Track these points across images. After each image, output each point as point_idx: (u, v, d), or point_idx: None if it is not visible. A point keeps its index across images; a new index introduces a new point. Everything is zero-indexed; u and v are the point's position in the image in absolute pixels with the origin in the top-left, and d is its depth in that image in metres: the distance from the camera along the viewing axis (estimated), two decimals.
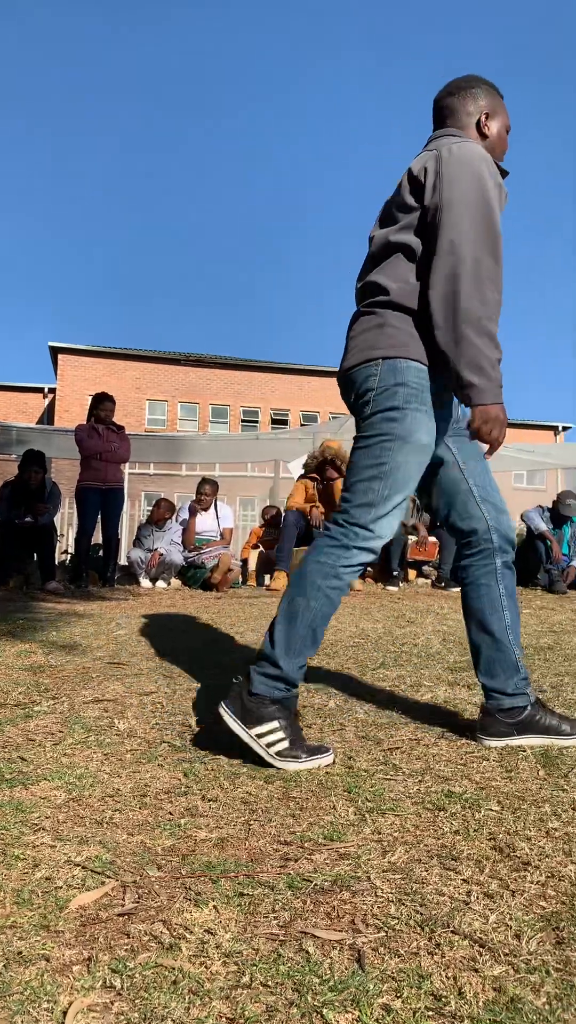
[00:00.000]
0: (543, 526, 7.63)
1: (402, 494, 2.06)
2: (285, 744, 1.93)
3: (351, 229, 64.34)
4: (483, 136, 2.19)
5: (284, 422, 32.29)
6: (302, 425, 29.57)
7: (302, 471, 7.29)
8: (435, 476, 2.19)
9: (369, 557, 2.10)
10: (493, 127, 2.19)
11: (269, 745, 1.93)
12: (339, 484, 6.82)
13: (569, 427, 34.85)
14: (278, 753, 1.93)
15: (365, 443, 2.05)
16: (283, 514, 7.32)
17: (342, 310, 66.30)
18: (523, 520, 7.94)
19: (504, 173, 2.15)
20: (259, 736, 1.93)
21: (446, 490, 2.18)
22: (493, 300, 1.99)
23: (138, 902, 1.27)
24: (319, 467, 6.94)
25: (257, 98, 61.53)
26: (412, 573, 7.71)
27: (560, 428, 35.03)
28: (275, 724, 1.94)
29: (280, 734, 1.94)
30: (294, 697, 2.05)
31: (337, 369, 2.21)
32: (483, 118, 2.18)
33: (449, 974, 1.08)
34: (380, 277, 2.10)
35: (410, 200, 2.07)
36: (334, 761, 1.96)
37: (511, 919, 1.23)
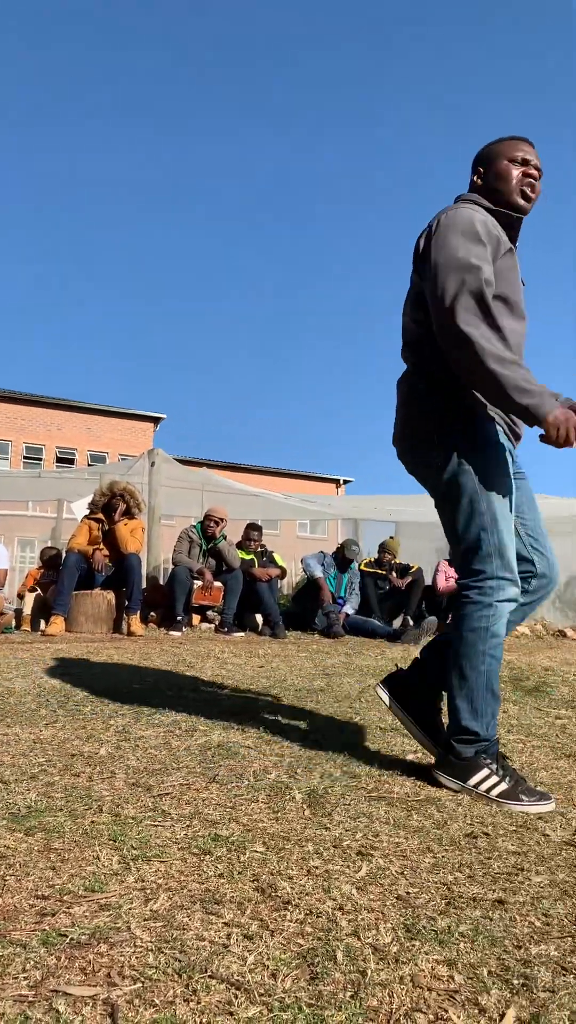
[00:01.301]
0: (318, 572, 7.95)
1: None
2: (504, 786, 2.13)
3: (142, 260, 64.64)
4: (478, 191, 2.38)
5: (70, 461, 31.42)
6: (89, 465, 28.94)
7: (87, 511, 7.12)
8: None
9: (514, 604, 2.26)
10: (488, 174, 2.37)
11: (488, 790, 2.13)
12: (123, 527, 6.73)
13: (351, 480, 36.69)
14: (500, 795, 2.11)
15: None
16: (63, 555, 7.09)
17: (136, 346, 66.05)
18: (302, 565, 8.24)
19: (512, 215, 2.35)
20: (476, 785, 2.15)
21: None
22: (493, 331, 2.12)
23: None
24: (106, 506, 6.81)
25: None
26: (196, 618, 7.71)
27: (341, 481, 36.80)
28: (486, 771, 2.15)
29: (495, 778, 2.14)
30: (495, 745, 2.22)
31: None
32: (475, 177, 2.40)
33: (203, 1020, 1.07)
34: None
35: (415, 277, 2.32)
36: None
37: (269, 959, 1.25)
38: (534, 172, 2.34)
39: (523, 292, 2.37)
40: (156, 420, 34.22)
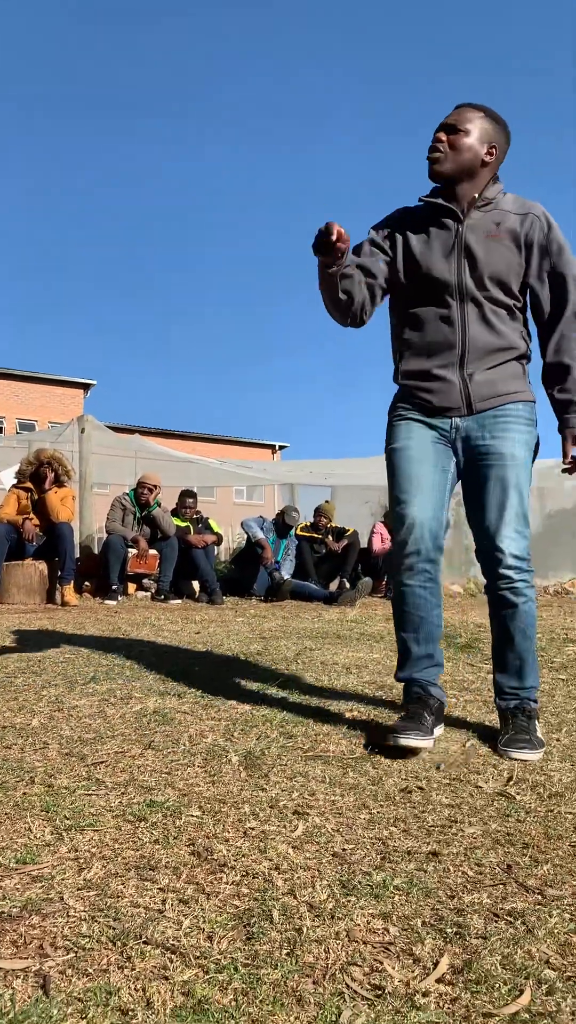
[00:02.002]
0: (259, 534, 7.94)
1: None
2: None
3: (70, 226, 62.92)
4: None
5: None
6: (17, 433, 28.25)
7: (14, 481, 6.95)
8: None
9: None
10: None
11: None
12: (53, 495, 6.59)
13: (286, 446, 36.68)
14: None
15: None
16: None
17: (63, 309, 64.32)
18: (243, 528, 8.22)
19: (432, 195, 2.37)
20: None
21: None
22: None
23: None
24: (34, 475, 6.66)
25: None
26: (132, 587, 7.64)
27: (277, 447, 36.77)
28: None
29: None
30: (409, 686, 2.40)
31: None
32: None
33: (138, 986, 1.06)
34: None
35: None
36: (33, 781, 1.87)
37: (204, 922, 1.24)
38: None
39: None
40: (86, 387, 33.57)
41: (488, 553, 2.32)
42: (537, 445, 2.38)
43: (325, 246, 2.12)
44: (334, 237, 2.09)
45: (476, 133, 2.30)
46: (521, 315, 2.38)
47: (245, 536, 8.29)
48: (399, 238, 2.38)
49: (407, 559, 2.33)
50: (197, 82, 66.23)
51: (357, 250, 2.40)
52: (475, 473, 2.35)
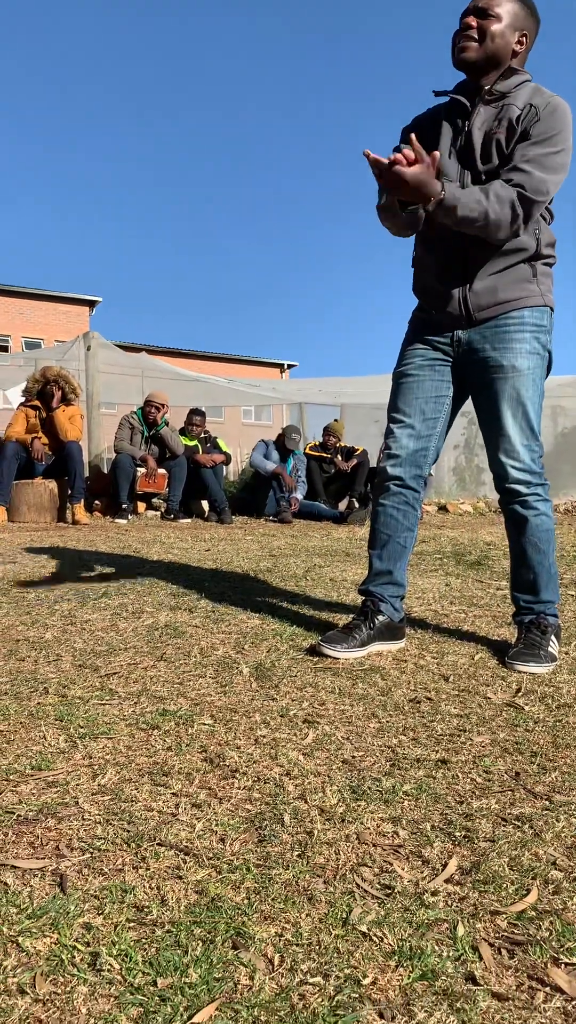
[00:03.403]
0: (271, 466, 7.84)
1: None
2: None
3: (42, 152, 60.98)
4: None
5: (4, 348, 30.31)
6: (24, 351, 27.96)
7: (22, 399, 6.89)
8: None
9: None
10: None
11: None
12: (61, 414, 6.54)
13: (295, 365, 36.25)
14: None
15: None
16: (2, 445, 6.89)
17: (73, 230, 62.90)
18: (251, 466, 8.13)
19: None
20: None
21: None
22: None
23: None
24: (41, 393, 6.60)
25: None
26: (142, 506, 7.65)
27: (285, 365, 36.34)
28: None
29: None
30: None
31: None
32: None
33: (152, 884, 1.08)
34: None
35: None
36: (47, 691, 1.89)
37: (217, 825, 1.26)
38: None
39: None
40: (92, 304, 33.00)
41: (496, 468, 2.31)
42: (550, 352, 2.31)
43: (394, 184, 1.97)
44: (408, 163, 1.94)
45: (507, 19, 2.16)
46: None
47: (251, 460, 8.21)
48: (424, 138, 2.23)
49: (385, 482, 2.37)
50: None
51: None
52: (480, 388, 2.32)
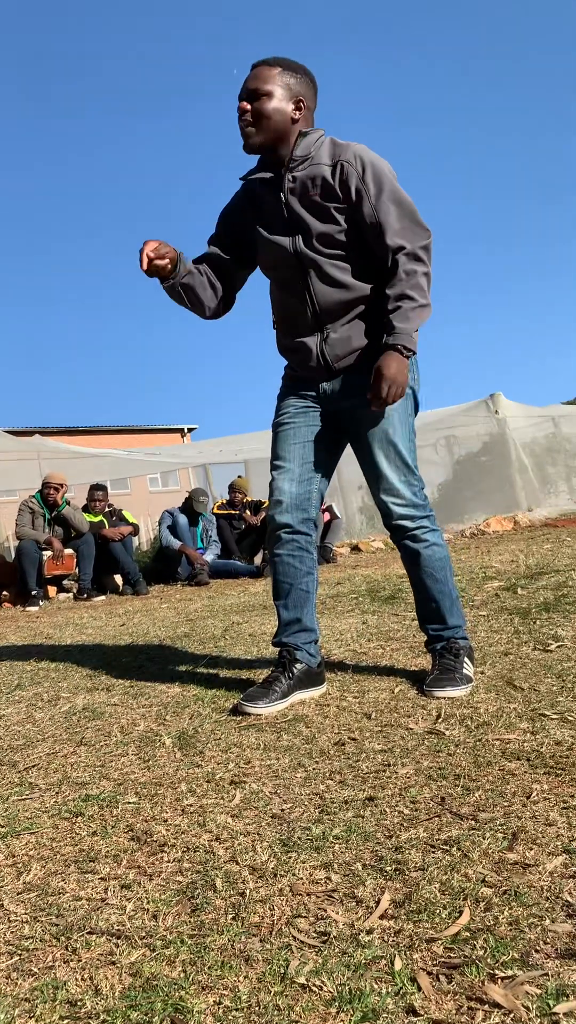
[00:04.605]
0: (175, 542, 7.78)
1: None
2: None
3: None
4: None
5: None
6: None
7: None
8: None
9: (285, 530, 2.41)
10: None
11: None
12: None
13: (195, 427, 36.37)
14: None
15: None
16: None
17: None
18: (161, 540, 8.06)
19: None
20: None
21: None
22: None
23: None
24: None
25: None
26: (52, 590, 7.49)
27: (186, 429, 36.43)
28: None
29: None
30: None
31: None
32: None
33: (85, 975, 1.05)
34: None
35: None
36: None
37: (148, 903, 1.24)
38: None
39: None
40: None
41: (380, 507, 2.38)
42: (414, 390, 2.36)
43: (150, 271, 2.21)
44: (145, 266, 2.19)
45: (279, 92, 2.22)
46: (373, 257, 2.28)
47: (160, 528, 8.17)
48: (242, 219, 2.38)
49: (276, 531, 2.40)
50: None
51: (213, 239, 2.43)
52: (353, 435, 2.40)
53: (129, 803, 1.66)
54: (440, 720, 2.01)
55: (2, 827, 1.61)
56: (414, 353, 2.22)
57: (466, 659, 2.35)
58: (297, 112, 2.24)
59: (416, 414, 2.40)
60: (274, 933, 1.11)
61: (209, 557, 7.99)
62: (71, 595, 7.32)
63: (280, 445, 2.42)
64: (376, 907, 1.15)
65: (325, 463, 2.44)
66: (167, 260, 2.22)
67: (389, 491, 2.33)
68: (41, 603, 6.84)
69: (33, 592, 6.77)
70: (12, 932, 1.19)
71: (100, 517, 7.75)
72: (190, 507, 8.14)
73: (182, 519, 7.99)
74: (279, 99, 2.22)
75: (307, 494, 2.39)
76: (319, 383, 2.38)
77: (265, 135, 2.23)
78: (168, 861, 1.38)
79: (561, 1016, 0.89)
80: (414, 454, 2.36)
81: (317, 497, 2.42)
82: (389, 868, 1.27)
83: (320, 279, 2.27)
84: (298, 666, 2.34)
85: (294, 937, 1.10)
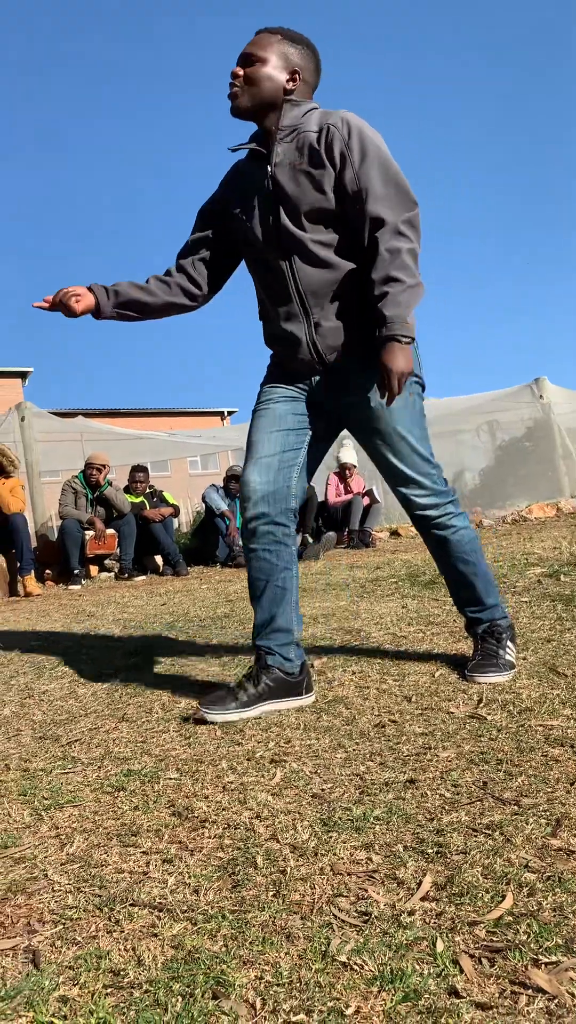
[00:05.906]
0: (223, 505, 7.88)
1: None
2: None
3: None
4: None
5: None
6: None
7: None
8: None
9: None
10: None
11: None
12: (1, 487, 6.47)
13: (235, 411, 36.43)
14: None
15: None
16: None
17: None
18: (204, 501, 8.15)
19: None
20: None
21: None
22: None
23: None
24: None
25: None
26: (94, 569, 7.58)
27: (226, 412, 36.51)
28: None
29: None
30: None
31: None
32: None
33: (128, 946, 1.07)
34: None
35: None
36: (8, 767, 1.86)
37: (189, 877, 1.25)
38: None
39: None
40: (23, 375, 32.88)
41: (401, 500, 2.29)
42: (417, 375, 2.23)
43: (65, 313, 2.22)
44: (48, 306, 2.22)
45: (274, 60, 2.12)
46: (360, 233, 2.13)
47: (203, 506, 8.21)
48: (226, 201, 2.26)
49: (248, 524, 2.21)
50: None
51: (195, 228, 2.32)
52: (355, 429, 2.28)
53: (170, 779, 1.67)
54: (482, 705, 1.99)
55: (46, 799, 1.63)
56: (413, 339, 2.06)
57: (508, 643, 2.31)
58: (291, 83, 2.14)
59: (423, 398, 2.27)
60: (315, 911, 1.12)
61: None
62: (112, 574, 7.40)
63: (256, 432, 2.24)
64: (417, 889, 1.15)
65: (310, 450, 2.28)
66: (74, 304, 2.19)
67: (407, 483, 2.23)
68: (83, 582, 6.92)
69: (75, 571, 6.86)
70: (56, 902, 1.21)
71: (141, 498, 7.81)
72: (227, 487, 8.18)
73: (223, 496, 8.05)
74: (273, 67, 2.13)
75: (285, 482, 2.21)
76: (309, 377, 2.24)
77: (252, 100, 2.12)
78: (209, 837, 1.39)
79: None
80: (426, 441, 2.24)
81: (298, 485, 2.25)
82: (431, 851, 1.26)
83: (303, 259, 2.13)
84: (269, 674, 2.15)
85: (335, 916, 1.10)
